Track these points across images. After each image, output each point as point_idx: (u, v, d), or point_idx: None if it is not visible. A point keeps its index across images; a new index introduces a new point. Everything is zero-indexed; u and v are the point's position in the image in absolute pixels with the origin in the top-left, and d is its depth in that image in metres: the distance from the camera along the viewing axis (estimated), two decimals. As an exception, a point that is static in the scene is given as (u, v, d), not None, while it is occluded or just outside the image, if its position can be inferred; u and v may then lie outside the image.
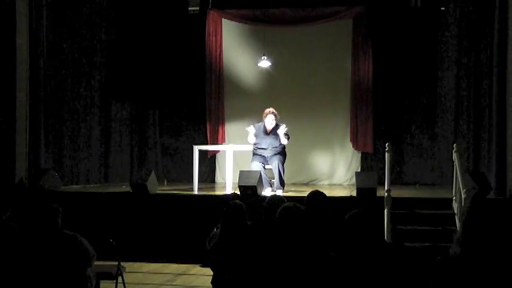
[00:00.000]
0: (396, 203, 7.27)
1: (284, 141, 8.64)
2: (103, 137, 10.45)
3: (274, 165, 8.54)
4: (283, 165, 8.58)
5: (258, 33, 10.71)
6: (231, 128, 10.91)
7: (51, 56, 9.33)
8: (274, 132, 8.68)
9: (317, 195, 4.69)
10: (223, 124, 11.01)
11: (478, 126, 9.70)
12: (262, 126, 8.79)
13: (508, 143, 7.97)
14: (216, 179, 11.04)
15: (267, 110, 8.76)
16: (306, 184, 10.50)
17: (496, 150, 8.29)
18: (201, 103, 10.99)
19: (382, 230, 6.88)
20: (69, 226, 4.38)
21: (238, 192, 7.76)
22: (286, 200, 4.60)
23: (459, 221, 6.77)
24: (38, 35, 8.93)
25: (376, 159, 10.38)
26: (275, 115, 8.70)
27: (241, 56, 10.99)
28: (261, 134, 8.75)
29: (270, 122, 8.69)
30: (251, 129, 8.64)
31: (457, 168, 7.17)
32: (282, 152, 8.71)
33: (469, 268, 2.48)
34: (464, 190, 6.58)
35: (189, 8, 10.83)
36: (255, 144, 8.77)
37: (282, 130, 8.57)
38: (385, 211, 7.05)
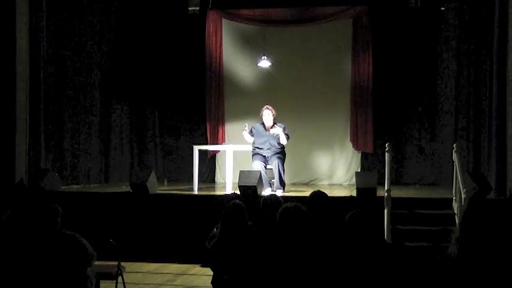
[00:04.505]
0: (396, 203, 7.27)
1: (284, 141, 8.66)
2: (103, 137, 10.45)
3: (274, 165, 8.57)
4: (283, 165, 8.60)
5: (258, 33, 10.71)
6: (231, 128, 10.91)
7: (51, 56, 9.33)
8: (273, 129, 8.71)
9: (319, 196, 4.69)
10: (223, 124, 11.01)
11: (478, 126, 9.71)
12: (261, 125, 8.83)
13: (508, 143, 7.97)
14: (216, 179, 11.04)
15: (264, 107, 8.85)
16: (306, 184, 10.50)
17: (496, 150, 8.29)
18: (201, 103, 10.99)
19: (382, 230, 6.89)
20: (69, 226, 4.38)
21: (238, 192, 7.76)
22: (282, 200, 4.61)
23: (459, 221, 6.78)
24: (38, 35, 8.92)
25: (376, 159, 10.37)
26: (271, 109, 8.76)
27: (241, 56, 10.99)
28: (261, 133, 8.78)
29: (266, 117, 8.73)
30: (245, 134, 8.74)
31: (457, 168, 7.18)
32: (282, 152, 8.73)
33: (467, 268, 2.48)
34: (464, 190, 6.59)
35: (189, 8, 10.83)
36: (254, 144, 8.80)
37: (278, 130, 8.59)
38: (385, 211, 7.05)
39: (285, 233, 3.69)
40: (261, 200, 4.72)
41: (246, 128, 8.77)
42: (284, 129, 8.71)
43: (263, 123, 8.83)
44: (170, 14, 10.86)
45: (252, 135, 8.84)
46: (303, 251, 3.57)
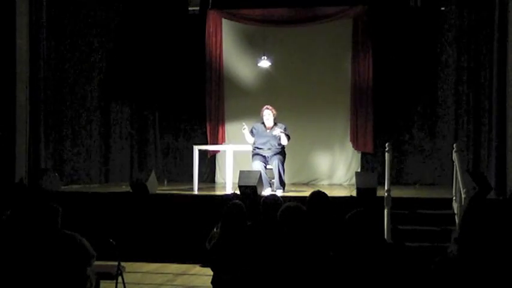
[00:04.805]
0: (396, 203, 7.27)
1: (284, 141, 8.67)
2: (103, 137, 10.45)
3: (274, 165, 8.56)
4: (283, 165, 8.60)
5: (258, 33, 10.71)
6: (231, 128, 10.91)
7: (51, 56, 9.33)
8: (273, 129, 8.72)
9: (319, 196, 4.70)
10: (223, 124, 11.01)
11: (478, 126, 9.71)
12: (261, 125, 8.84)
13: (508, 143, 7.97)
14: (216, 179, 11.04)
15: (264, 107, 8.85)
16: (306, 184, 10.49)
17: (496, 150, 8.29)
18: (201, 103, 10.99)
19: (382, 230, 6.88)
20: (69, 226, 4.38)
21: (238, 192, 7.76)
22: (282, 200, 4.62)
23: (459, 221, 6.78)
24: (38, 35, 8.92)
25: (376, 159, 10.38)
26: (271, 109, 8.77)
27: (241, 56, 10.99)
28: (261, 133, 8.78)
29: (267, 117, 8.75)
30: (246, 132, 8.71)
31: (457, 168, 7.17)
32: (282, 152, 8.74)
33: (467, 268, 2.48)
34: (464, 190, 6.58)
35: (189, 8, 10.83)
36: (254, 144, 8.81)
37: (277, 131, 8.60)
38: (385, 211, 7.04)
39: (285, 231, 3.69)
40: (262, 200, 4.72)
41: (245, 126, 8.77)
42: (285, 129, 8.71)
43: (263, 123, 8.84)
44: (170, 14, 10.85)
45: (253, 136, 8.84)
46: (303, 251, 3.57)
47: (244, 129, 8.77)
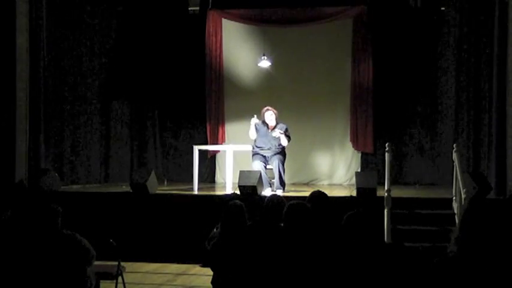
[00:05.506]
0: (396, 203, 7.27)
1: (284, 142, 8.66)
2: (103, 137, 10.46)
3: (274, 165, 8.56)
4: (283, 165, 8.60)
5: (258, 33, 10.71)
6: (231, 128, 10.92)
7: (51, 56, 9.33)
8: (273, 131, 8.71)
9: (319, 196, 4.70)
10: (223, 124, 11.01)
11: (478, 126, 9.71)
12: (263, 123, 8.82)
13: (508, 143, 7.97)
14: (216, 179, 11.04)
15: (265, 108, 8.84)
16: (306, 184, 10.50)
17: (496, 150, 8.29)
18: (201, 103, 10.99)
19: (382, 230, 6.89)
20: (69, 226, 4.38)
21: (238, 192, 7.76)
22: (285, 200, 4.61)
23: (458, 221, 6.77)
24: (38, 35, 8.93)
25: (376, 159, 10.37)
26: (272, 110, 8.77)
27: (241, 56, 10.99)
28: (263, 133, 8.77)
29: (269, 118, 8.74)
30: (253, 122, 8.68)
31: (457, 168, 7.18)
32: (282, 152, 8.74)
33: (466, 267, 2.48)
34: (464, 190, 6.59)
35: (189, 8, 10.84)
36: (255, 142, 8.81)
37: (276, 132, 8.59)
38: (385, 211, 7.05)
39: (290, 229, 3.70)
40: (266, 200, 4.72)
41: (256, 118, 8.73)
42: (286, 130, 8.71)
43: (265, 123, 8.82)
44: (170, 14, 10.85)
45: (256, 131, 8.82)
46: (304, 250, 3.57)
47: (253, 117, 8.72)
